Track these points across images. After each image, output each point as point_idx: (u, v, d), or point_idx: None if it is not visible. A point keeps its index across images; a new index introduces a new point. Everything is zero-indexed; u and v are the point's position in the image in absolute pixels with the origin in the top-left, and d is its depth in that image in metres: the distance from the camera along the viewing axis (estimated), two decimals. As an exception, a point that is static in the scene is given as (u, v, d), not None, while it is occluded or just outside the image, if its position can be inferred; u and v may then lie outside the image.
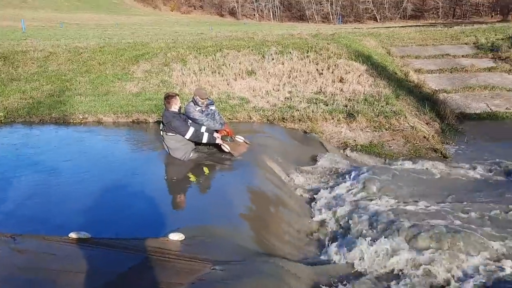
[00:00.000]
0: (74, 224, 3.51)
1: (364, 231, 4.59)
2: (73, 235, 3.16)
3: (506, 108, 9.41)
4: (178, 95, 5.80)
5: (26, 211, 4.13)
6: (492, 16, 42.22)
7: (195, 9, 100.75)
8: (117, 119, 8.48)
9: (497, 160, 6.61)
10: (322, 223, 5.10)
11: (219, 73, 11.15)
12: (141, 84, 10.80)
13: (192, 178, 5.51)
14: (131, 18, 72.71)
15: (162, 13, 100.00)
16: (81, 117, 8.57)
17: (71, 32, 25.01)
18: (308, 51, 11.99)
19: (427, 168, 6.35)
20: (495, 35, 14.68)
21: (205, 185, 5.30)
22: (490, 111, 9.39)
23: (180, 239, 3.47)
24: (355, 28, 20.03)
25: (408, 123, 7.64)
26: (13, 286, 2.62)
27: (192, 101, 6.33)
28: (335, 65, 10.94)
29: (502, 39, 13.86)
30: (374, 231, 4.57)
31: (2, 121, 8.48)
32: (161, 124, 5.82)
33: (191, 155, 5.89)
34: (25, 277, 2.71)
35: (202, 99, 6.25)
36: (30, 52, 13.55)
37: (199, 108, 6.25)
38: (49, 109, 9.08)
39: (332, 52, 11.77)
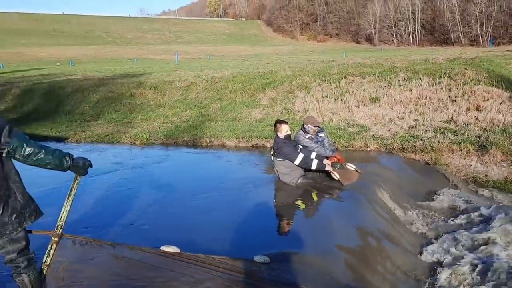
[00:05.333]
0: (168, 238, 3.85)
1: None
2: (164, 248, 3.46)
3: None
4: (287, 122, 5.94)
5: (126, 223, 4.65)
6: None
7: (331, 37, 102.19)
8: (239, 143, 9.01)
9: None
10: (436, 268, 4.59)
11: (341, 100, 11.06)
12: (265, 110, 11.32)
13: (301, 204, 5.50)
14: (270, 48, 77.26)
15: (299, 42, 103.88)
16: (208, 140, 9.33)
17: (214, 63, 27.52)
18: (440, 76, 11.15)
19: None
20: None
21: (310, 212, 5.24)
22: None
23: (265, 261, 3.51)
24: (507, 50, 17.71)
25: (556, 158, 6.51)
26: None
27: (301, 129, 6.39)
28: (471, 92, 9.95)
29: None
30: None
31: (145, 142, 9.72)
32: (272, 150, 6.01)
33: (299, 181, 5.92)
34: (121, 281, 3.08)
35: (315, 127, 6.25)
36: (175, 82, 15.34)
37: (308, 136, 6.28)
38: (183, 132, 10.11)
39: (469, 78, 10.73)
